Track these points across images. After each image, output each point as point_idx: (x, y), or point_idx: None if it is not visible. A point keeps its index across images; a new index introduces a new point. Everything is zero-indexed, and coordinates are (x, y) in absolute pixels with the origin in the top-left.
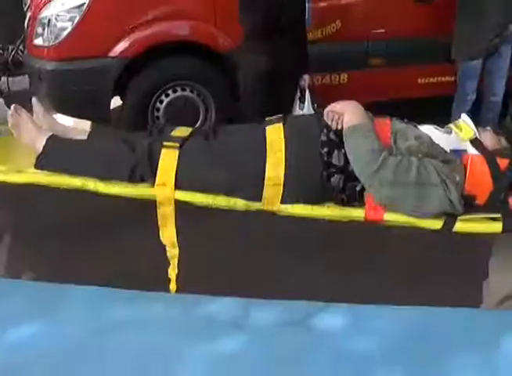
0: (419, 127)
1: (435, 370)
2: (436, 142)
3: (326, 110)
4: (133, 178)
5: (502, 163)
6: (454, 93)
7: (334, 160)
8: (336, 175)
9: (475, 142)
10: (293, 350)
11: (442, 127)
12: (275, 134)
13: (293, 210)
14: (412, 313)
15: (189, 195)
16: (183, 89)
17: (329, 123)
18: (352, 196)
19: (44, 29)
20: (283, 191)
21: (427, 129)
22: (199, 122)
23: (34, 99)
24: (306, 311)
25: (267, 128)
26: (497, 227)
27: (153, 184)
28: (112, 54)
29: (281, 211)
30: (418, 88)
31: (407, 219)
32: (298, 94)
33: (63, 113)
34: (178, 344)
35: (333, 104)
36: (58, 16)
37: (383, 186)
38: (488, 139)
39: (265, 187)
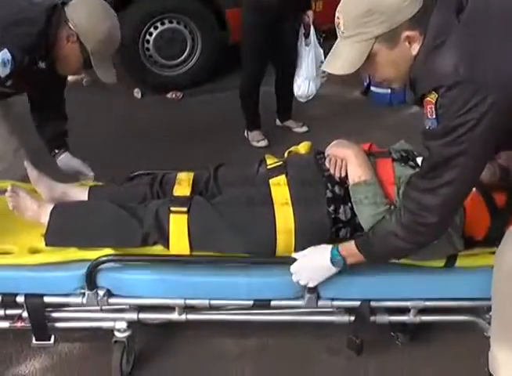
0: (417, 159)
1: None
2: None
3: (327, 154)
4: (145, 245)
5: (499, 198)
6: None
7: (341, 216)
8: (343, 229)
9: None
10: None
11: None
12: (280, 192)
13: None
14: None
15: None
16: (170, 22)
17: (332, 170)
18: None
19: None
20: (295, 247)
21: None
22: (186, 51)
23: (26, 163)
24: None
25: (270, 182)
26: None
27: (167, 247)
28: None
29: None
30: None
31: (412, 261)
32: (302, 30)
33: None
34: None
35: (333, 147)
36: None
37: None
38: (484, 171)
39: (277, 247)
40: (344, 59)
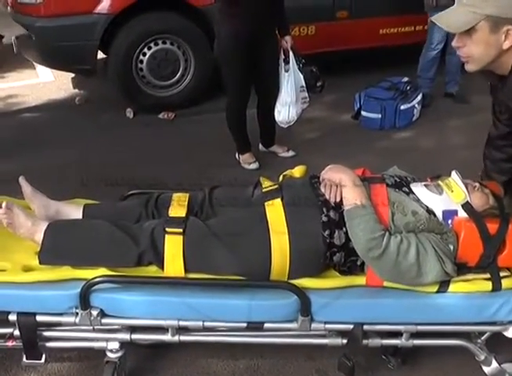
0: (411, 185)
1: None
2: (428, 203)
3: (322, 178)
4: (140, 265)
5: (492, 226)
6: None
7: (336, 241)
8: (338, 254)
9: (466, 206)
10: None
11: (430, 180)
12: (275, 214)
13: (300, 284)
14: None
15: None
16: (164, 42)
17: (327, 195)
18: (353, 267)
19: None
20: (289, 271)
21: (419, 190)
22: (179, 72)
23: (21, 179)
24: None
25: (266, 205)
26: (487, 286)
27: (161, 268)
28: (97, 11)
29: None
30: (379, 38)
31: (405, 286)
32: (282, 56)
33: (53, 67)
34: None
35: (328, 172)
36: None
37: (384, 268)
38: (478, 199)
39: (271, 270)
40: (453, 20)
